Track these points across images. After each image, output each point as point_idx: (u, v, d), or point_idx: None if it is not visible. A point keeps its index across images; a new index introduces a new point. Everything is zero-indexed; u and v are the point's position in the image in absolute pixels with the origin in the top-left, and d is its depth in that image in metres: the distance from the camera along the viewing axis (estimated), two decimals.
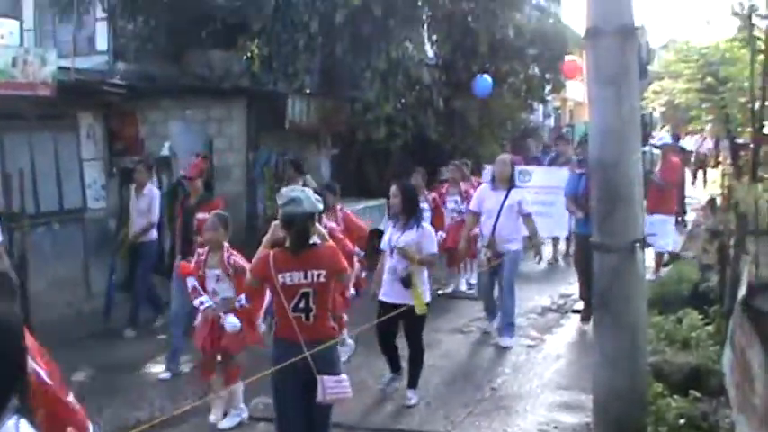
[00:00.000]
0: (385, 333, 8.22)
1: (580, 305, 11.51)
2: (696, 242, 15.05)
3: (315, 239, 5.92)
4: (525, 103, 22.40)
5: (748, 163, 16.19)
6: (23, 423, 2.12)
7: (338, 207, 9.80)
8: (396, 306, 7.94)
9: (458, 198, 12.97)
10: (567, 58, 18.52)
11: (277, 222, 5.98)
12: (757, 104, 15.33)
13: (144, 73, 15.56)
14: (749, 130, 17.26)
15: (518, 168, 14.19)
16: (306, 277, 5.70)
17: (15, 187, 10.97)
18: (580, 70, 17.89)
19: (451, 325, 11.08)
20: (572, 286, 11.93)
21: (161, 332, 10.77)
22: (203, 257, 7.75)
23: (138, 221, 11.29)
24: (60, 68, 11.95)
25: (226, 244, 7.72)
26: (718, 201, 16.52)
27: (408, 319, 7.99)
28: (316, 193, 8.06)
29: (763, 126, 15.92)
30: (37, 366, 3.66)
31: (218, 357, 7.80)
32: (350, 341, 9.63)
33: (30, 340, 3.39)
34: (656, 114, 29.77)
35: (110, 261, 11.73)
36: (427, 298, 8.11)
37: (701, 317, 8.93)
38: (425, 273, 8.22)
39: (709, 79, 21.04)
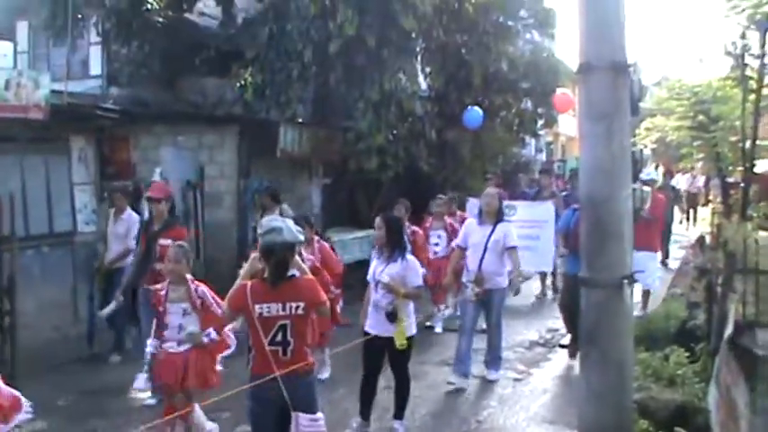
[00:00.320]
0: (370, 367, 8.04)
1: (567, 340, 11.49)
2: (684, 279, 15.05)
3: (294, 271, 5.81)
4: (517, 137, 22.51)
5: (738, 202, 16.27)
6: None
7: (315, 239, 9.70)
8: (381, 339, 7.81)
9: (441, 233, 12.72)
10: (558, 90, 18.48)
11: (256, 254, 5.91)
12: (748, 143, 15.42)
13: (137, 98, 15.61)
14: (740, 168, 17.34)
15: (504, 204, 14.26)
16: (284, 309, 5.60)
17: (5, 209, 10.93)
18: (572, 104, 17.88)
19: (438, 357, 11.05)
20: (559, 320, 11.90)
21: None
22: (164, 292, 7.36)
23: (114, 247, 11.14)
24: (53, 92, 11.96)
25: (189, 276, 7.41)
26: (708, 239, 16.55)
27: (393, 351, 7.81)
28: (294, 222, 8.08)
29: (753, 165, 16.01)
30: None
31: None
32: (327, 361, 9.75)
33: None
34: (647, 152, 29.88)
35: (89, 287, 11.65)
36: (412, 331, 7.94)
37: (687, 354, 8.94)
38: (411, 305, 8.05)
39: (700, 117, 21.20)
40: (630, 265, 6.10)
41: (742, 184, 16.13)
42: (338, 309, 9.90)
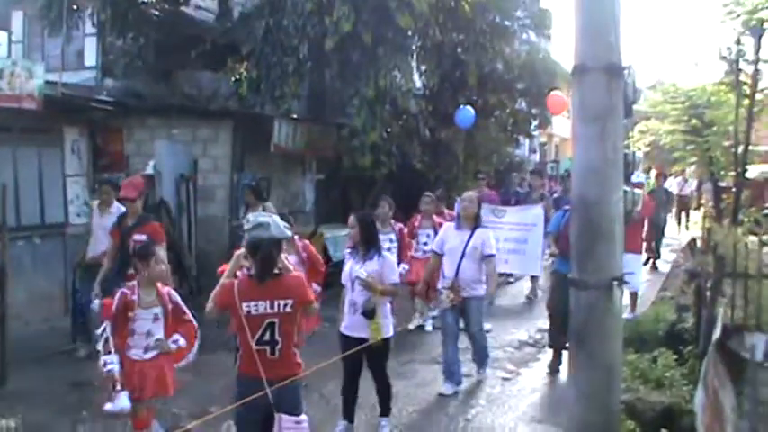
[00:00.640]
0: (349, 369, 7.88)
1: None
2: (674, 282, 15.11)
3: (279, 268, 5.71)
4: (511, 137, 22.54)
5: (729, 206, 16.35)
6: None
7: (296, 238, 9.34)
8: (358, 339, 7.63)
9: (430, 232, 12.28)
10: (552, 92, 18.46)
11: (240, 251, 5.86)
12: (741, 148, 15.50)
13: (132, 90, 15.61)
14: (732, 173, 17.42)
15: (492, 207, 14.19)
16: (272, 307, 5.51)
17: None
18: (565, 106, 17.89)
19: (427, 355, 11.06)
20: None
21: None
22: (134, 297, 6.94)
23: (105, 240, 10.55)
24: (47, 82, 11.94)
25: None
26: (698, 242, 16.61)
27: (371, 352, 7.64)
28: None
29: (745, 170, 16.09)
30: None
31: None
32: None
33: None
34: (639, 154, 29.97)
35: (72, 281, 11.49)
36: (388, 332, 7.82)
37: (675, 357, 8.98)
38: (388, 306, 7.92)
39: (694, 121, 21.24)
40: (621, 267, 6.12)
41: (734, 189, 16.22)
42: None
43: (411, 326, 11.90)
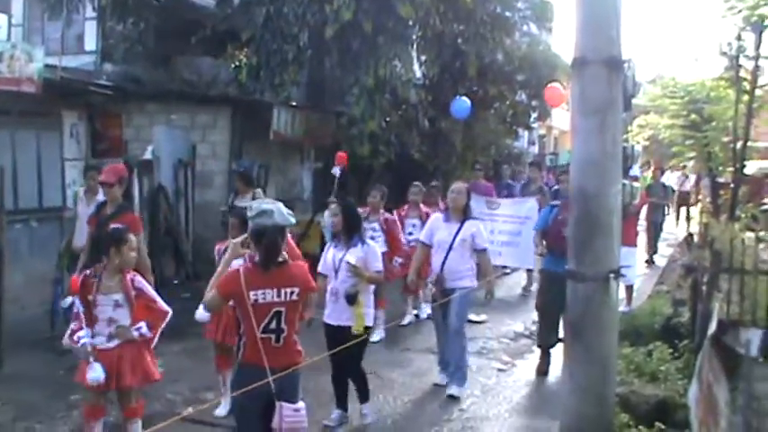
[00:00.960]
0: (336, 359, 7.67)
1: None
2: (671, 277, 15.13)
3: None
4: (510, 129, 22.53)
5: (727, 202, 16.37)
6: None
7: None
8: (340, 327, 7.56)
9: (416, 222, 12.06)
10: (550, 84, 18.36)
11: (237, 241, 5.82)
12: (739, 144, 15.50)
13: (131, 75, 15.60)
14: (730, 169, 17.43)
15: (486, 199, 14.14)
16: (279, 295, 5.46)
17: None
18: (562, 98, 17.83)
19: (423, 345, 11.07)
20: None
21: None
22: (95, 280, 6.59)
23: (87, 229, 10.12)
24: (47, 66, 11.93)
25: None
26: (695, 237, 16.62)
27: (346, 341, 7.30)
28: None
29: (744, 166, 16.09)
30: None
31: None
32: None
33: None
34: (638, 148, 29.95)
35: (55, 271, 11.12)
36: (369, 322, 7.71)
37: (670, 351, 8.98)
38: (371, 297, 7.83)
39: (693, 116, 21.22)
40: (618, 260, 6.13)
41: (732, 185, 16.23)
42: None
43: (404, 321, 11.88)
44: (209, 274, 5.97)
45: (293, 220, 5.69)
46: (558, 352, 9.79)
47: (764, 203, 18.16)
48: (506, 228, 13.99)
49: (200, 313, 7.02)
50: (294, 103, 16.30)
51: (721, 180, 21.03)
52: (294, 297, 5.54)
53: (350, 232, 7.75)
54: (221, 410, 7.99)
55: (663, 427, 6.88)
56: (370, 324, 7.80)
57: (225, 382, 7.88)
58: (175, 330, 8.34)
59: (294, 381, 5.67)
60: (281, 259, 5.59)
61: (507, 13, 19.70)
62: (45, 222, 12.56)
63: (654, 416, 7.17)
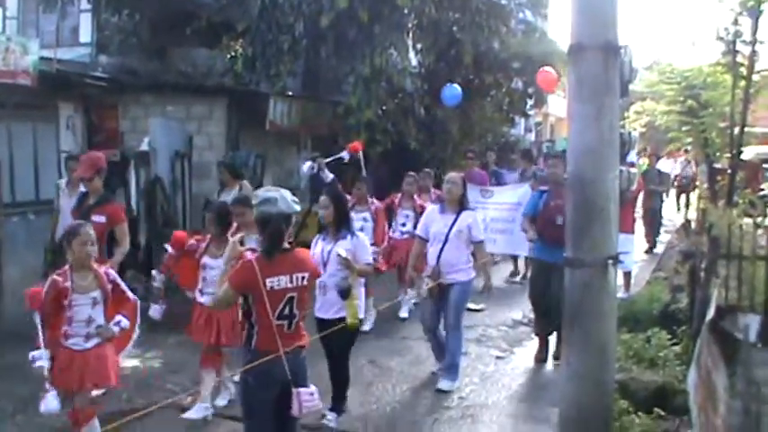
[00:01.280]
0: (328, 352, 7.70)
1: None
2: (669, 263, 15.14)
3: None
4: (507, 117, 22.50)
5: (724, 188, 16.35)
6: None
7: None
8: (329, 321, 7.39)
9: (409, 212, 11.97)
10: (543, 68, 18.15)
11: (235, 239, 5.86)
12: (736, 130, 15.47)
13: (126, 67, 15.57)
14: (727, 155, 17.40)
15: (480, 189, 14.09)
16: (291, 281, 5.49)
17: None
18: (555, 82, 17.73)
19: (421, 333, 10.97)
20: None
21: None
22: (67, 284, 6.34)
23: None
24: (42, 58, 11.91)
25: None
26: (693, 223, 16.62)
27: (336, 335, 7.24)
28: (246, 198, 7.94)
29: (741, 152, 16.06)
30: None
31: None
32: None
33: None
34: (635, 134, 29.90)
35: (43, 266, 10.74)
36: (361, 314, 7.66)
37: (669, 337, 8.99)
38: (362, 289, 7.78)
39: (690, 102, 21.16)
40: (616, 246, 6.13)
41: (729, 171, 16.20)
42: None
43: (403, 314, 11.78)
44: None
45: (298, 208, 5.70)
46: (552, 344, 9.86)
47: (762, 189, 18.14)
48: (500, 215, 13.99)
49: (155, 309, 6.99)
50: (290, 93, 16.27)
51: (718, 166, 20.99)
52: (305, 282, 5.60)
53: (339, 224, 7.59)
54: (221, 401, 8.02)
55: (662, 412, 6.90)
56: (362, 316, 7.78)
57: (206, 380, 7.84)
58: (175, 322, 8.37)
59: (305, 365, 5.75)
60: (286, 246, 5.60)
61: (503, 1, 19.66)
62: (42, 215, 12.52)
63: (653, 402, 7.19)
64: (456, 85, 16.68)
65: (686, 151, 26.63)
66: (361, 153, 13.34)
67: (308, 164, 12.83)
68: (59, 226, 10.03)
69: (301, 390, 5.50)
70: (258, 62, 15.75)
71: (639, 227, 16.54)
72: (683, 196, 26.34)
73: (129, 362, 9.52)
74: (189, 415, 7.76)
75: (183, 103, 14.74)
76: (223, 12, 16.63)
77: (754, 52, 14.92)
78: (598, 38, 6.00)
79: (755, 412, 4.23)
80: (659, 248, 18.65)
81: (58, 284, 6.32)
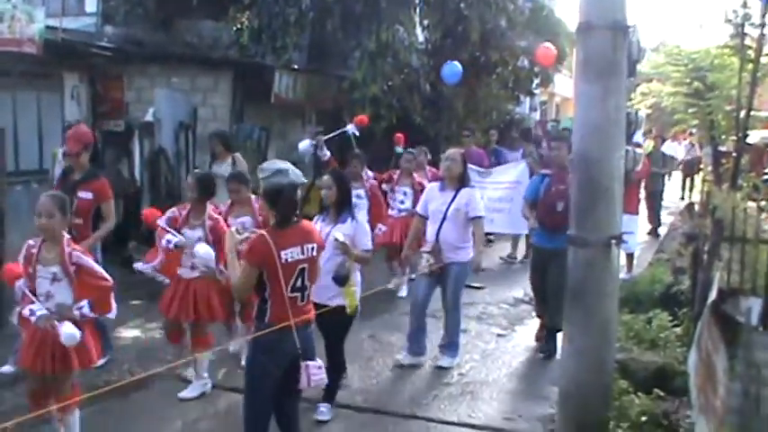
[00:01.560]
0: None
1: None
2: (672, 245, 15.14)
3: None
4: (512, 95, 22.43)
5: (729, 170, 16.31)
6: None
7: (253, 198, 8.54)
8: (326, 307, 6.95)
9: (407, 189, 11.90)
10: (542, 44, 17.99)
11: (232, 230, 5.75)
12: (743, 113, 15.42)
13: (132, 37, 15.51)
14: (733, 138, 17.36)
15: (477, 169, 14.01)
16: (302, 252, 5.47)
17: None
18: (553, 57, 17.60)
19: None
20: None
21: (133, 298, 10.59)
22: (35, 251, 6.06)
23: None
24: (48, 27, 11.86)
25: (66, 235, 6.17)
26: (697, 205, 16.60)
27: (332, 321, 6.99)
28: (242, 174, 8.22)
29: (746, 135, 16.01)
30: None
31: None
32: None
33: None
34: (642, 114, 29.80)
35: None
36: (358, 300, 7.35)
37: (670, 318, 8.99)
38: (358, 274, 7.43)
39: (696, 84, 21.08)
40: (619, 226, 6.12)
41: (734, 154, 16.16)
42: None
43: (391, 285, 11.66)
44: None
45: (304, 179, 5.68)
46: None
47: (766, 173, 18.12)
48: (498, 194, 13.95)
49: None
50: (296, 67, 16.21)
51: (723, 149, 20.94)
52: (314, 253, 5.60)
53: (341, 207, 7.29)
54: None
55: (661, 393, 6.90)
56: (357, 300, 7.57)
57: (199, 358, 7.80)
58: None
59: (313, 339, 5.78)
60: (294, 219, 5.59)
61: None
62: (46, 184, 12.50)
63: (652, 382, 7.19)
64: (456, 63, 16.58)
65: (690, 134, 26.57)
66: (353, 129, 13.14)
67: (306, 142, 12.71)
68: None
69: (310, 363, 5.52)
70: (264, 35, 15.70)
71: (643, 208, 16.49)
72: (688, 180, 26.28)
73: (130, 332, 9.60)
74: (186, 394, 7.78)
75: (188, 74, 14.71)
76: None
77: (762, 35, 14.83)
78: (606, 17, 5.98)
79: (755, 394, 4.23)
80: (662, 230, 18.62)
81: (29, 249, 6.13)
